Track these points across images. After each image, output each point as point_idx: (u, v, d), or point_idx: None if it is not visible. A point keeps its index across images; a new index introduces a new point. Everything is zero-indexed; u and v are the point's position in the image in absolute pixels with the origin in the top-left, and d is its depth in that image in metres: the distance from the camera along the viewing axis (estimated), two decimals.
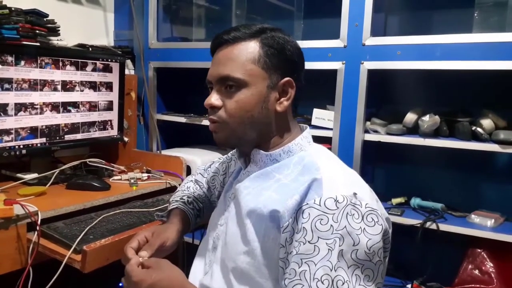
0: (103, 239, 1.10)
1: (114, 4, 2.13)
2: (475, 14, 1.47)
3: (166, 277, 0.82)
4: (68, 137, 1.63)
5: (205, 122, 1.83)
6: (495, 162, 1.61)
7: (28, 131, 1.48)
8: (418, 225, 1.47)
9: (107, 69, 1.74)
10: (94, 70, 1.68)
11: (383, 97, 1.68)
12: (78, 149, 1.78)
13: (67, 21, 1.70)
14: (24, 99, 1.45)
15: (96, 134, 1.74)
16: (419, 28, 1.64)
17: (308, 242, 0.73)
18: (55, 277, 1.08)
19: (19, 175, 1.47)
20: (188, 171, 1.75)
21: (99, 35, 2.08)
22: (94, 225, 1.21)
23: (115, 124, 1.81)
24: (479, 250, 1.50)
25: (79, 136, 1.67)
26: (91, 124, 1.71)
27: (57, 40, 1.58)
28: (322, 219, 0.73)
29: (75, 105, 1.63)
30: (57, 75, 1.55)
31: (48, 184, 1.44)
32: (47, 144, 1.55)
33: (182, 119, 1.91)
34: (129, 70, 1.98)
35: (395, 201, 1.64)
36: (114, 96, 1.79)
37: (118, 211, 1.34)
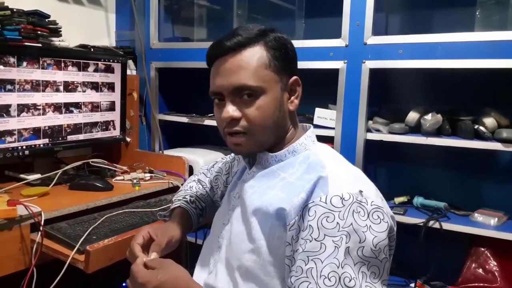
0: (106, 239, 1.11)
1: (116, 5, 2.13)
2: (477, 12, 1.47)
3: (172, 278, 0.82)
4: (70, 137, 1.63)
5: (207, 122, 1.83)
6: (497, 161, 1.60)
7: (31, 132, 1.49)
8: (421, 224, 1.47)
9: (109, 69, 1.74)
10: (96, 70, 1.69)
11: (385, 96, 1.67)
12: (81, 149, 1.78)
13: (68, 22, 1.70)
14: (26, 100, 1.46)
15: (98, 134, 1.74)
16: (420, 27, 1.64)
17: (315, 239, 0.73)
18: (58, 277, 1.08)
19: (22, 175, 1.48)
20: (191, 171, 1.75)
21: (101, 36, 2.08)
22: (97, 225, 1.21)
23: (117, 124, 1.82)
24: (482, 249, 1.50)
25: (81, 136, 1.67)
26: (94, 124, 1.72)
27: (59, 41, 1.58)
28: (328, 217, 0.73)
29: (77, 105, 1.64)
30: (59, 76, 1.55)
31: (51, 185, 1.44)
32: (49, 144, 1.56)
33: (184, 119, 1.91)
34: (131, 71, 1.98)
35: (398, 200, 1.63)
36: (116, 96, 1.79)
37: (121, 211, 1.34)
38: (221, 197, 1.13)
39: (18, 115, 1.44)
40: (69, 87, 1.59)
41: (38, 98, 1.49)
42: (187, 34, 2.18)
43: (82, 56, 1.65)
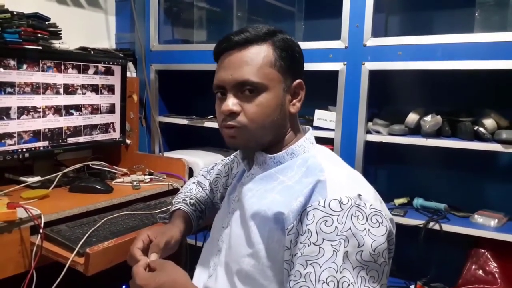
0: (106, 242, 1.11)
1: (116, 7, 2.13)
2: (476, 13, 1.47)
3: (170, 280, 0.82)
4: (70, 140, 1.63)
5: (207, 124, 1.83)
6: (497, 162, 1.60)
7: (31, 135, 1.49)
8: (421, 225, 1.47)
9: (109, 72, 1.74)
10: (96, 73, 1.69)
11: (385, 97, 1.67)
12: (81, 152, 1.78)
13: (68, 24, 1.71)
14: (26, 102, 1.46)
15: (98, 137, 1.74)
16: (420, 28, 1.64)
17: (313, 244, 0.73)
18: (58, 280, 1.08)
19: (22, 178, 1.48)
20: (191, 173, 1.75)
21: (101, 38, 2.08)
22: (97, 228, 1.21)
23: (117, 126, 1.82)
24: (482, 250, 1.50)
25: (81, 139, 1.67)
26: (94, 127, 1.72)
27: (59, 43, 1.59)
28: (326, 221, 0.73)
29: (77, 108, 1.64)
30: (59, 79, 1.55)
31: (51, 187, 1.44)
32: (49, 147, 1.56)
33: (184, 121, 1.92)
34: (131, 73, 1.98)
35: (398, 201, 1.63)
36: (116, 98, 1.79)
37: (121, 213, 1.34)
38: (221, 199, 1.13)
39: (18, 118, 1.44)
40: (69, 89, 1.60)
41: (38, 100, 1.49)
42: (187, 36, 2.18)
43: (82, 58, 1.65)
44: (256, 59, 0.82)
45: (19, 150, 1.46)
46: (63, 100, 1.58)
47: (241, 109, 0.83)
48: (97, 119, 1.73)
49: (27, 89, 1.45)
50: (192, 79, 2.05)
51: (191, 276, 0.92)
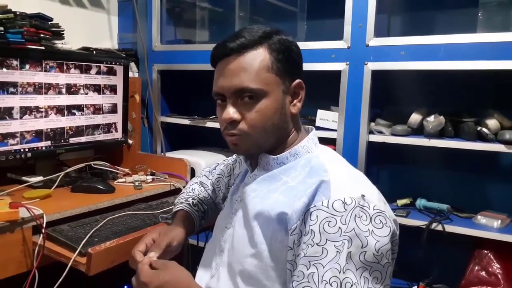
0: (108, 242, 1.11)
1: (118, 7, 2.14)
2: (479, 14, 1.46)
3: (174, 279, 0.82)
4: (72, 140, 1.63)
5: (209, 124, 1.83)
6: (501, 162, 1.60)
7: (33, 134, 1.49)
8: (424, 226, 1.46)
9: (111, 72, 1.75)
10: (98, 73, 1.69)
11: (388, 97, 1.67)
12: (83, 151, 1.78)
13: (71, 24, 1.71)
14: (29, 102, 1.46)
15: (100, 136, 1.74)
16: (422, 28, 1.63)
17: (316, 244, 0.73)
18: (60, 279, 1.08)
19: (24, 178, 1.48)
20: (193, 173, 1.75)
21: (103, 38, 2.09)
22: (99, 228, 1.21)
23: (120, 126, 1.82)
24: (485, 251, 1.49)
25: (83, 139, 1.68)
26: (96, 127, 1.72)
27: (62, 43, 1.59)
28: (330, 221, 0.73)
29: (79, 108, 1.64)
30: (62, 79, 1.56)
31: (53, 187, 1.44)
32: (52, 147, 1.56)
33: (186, 121, 1.92)
34: (133, 73, 1.98)
35: (400, 202, 1.63)
36: (118, 98, 1.79)
37: (123, 213, 1.34)
38: (223, 200, 1.13)
39: (21, 118, 1.44)
40: (71, 89, 1.60)
41: (41, 100, 1.50)
42: (189, 36, 2.19)
43: (85, 58, 1.65)
44: (252, 64, 0.82)
45: (22, 150, 1.46)
46: (65, 100, 1.58)
47: (241, 116, 0.83)
48: (99, 119, 1.73)
49: (30, 89, 1.46)
50: (194, 79, 2.05)
51: (193, 276, 0.92)
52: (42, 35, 1.50)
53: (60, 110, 1.57)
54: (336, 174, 0.80)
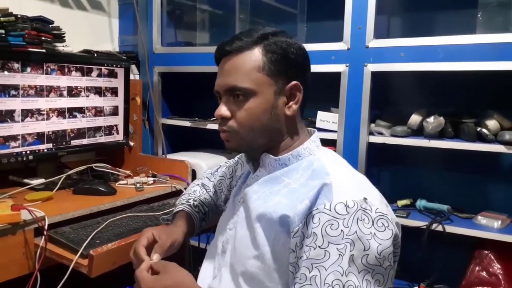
0: (109, 244, 1.11)
1: (119, 10, 2.15)
2: (478, 14, 1.46)
3: (175, 282, 0.82)
4: (74, 142, 1.64)
5: (210, 126, 1.84)
6: (500, 163, 1.60)
7: (35, 137, 1.50)
8: (424, 227, 1.46)
9: (112, 74, 1.75)
10: (99, 75, 1.70)
11: (387, 99, 1.67)
12: (84, 154, 1.79)
13: (72, 27, 1.72)
14: (30, 105, 1.46)
15: (102, 139, 1.75)
16: (422, 29, 1.64)
17: (319, 247, 0.73)
18: (62, 281, 1.08)
19: (26, 180, 1.48)
20: (194, 175, 1.75)
21: (104, 41, 2.09)
22: (100, 230, 1.21)
23: (121, 129, 1.83)
24: (486, 252, 1.49)
25: (85, 141, 1.68)
26: (97, 129, 1.73)
27: (63, 46, 1.60)
28: (332, 224, 0.73)
29: (80, 110, 1.65)
30: (63, 81, 1.56)
31: (55, 189, 1.45)
32: (53, 149, 1.56)
33: (187, 123, 1.92)
34: (134, 75, 1.99)
35: (401, 203, 1.63)
36: (119, 101, 1.80)
37: (124, 215, 1.35)
38: (225, 202, 1.14)
39: (22, 120, 1.45)
40: (72, 92, 1.60)
41: (42, 103, 1.50)
42: (190, 38, 2.19)
43: (86, 61, 1.66)
44: (245, 64, 0.84)
45: (23, 152, 1.46)
46: (66, 102, 1.59)
47: (231, 114, 0.86)
48: (100, 121, 1.73)
49: (31, 92, 1.46)
50: (195, 81, 2.06)
51: (195, 277, 0.92)
52: (43, 38, 1.50)
53: (61, 113, 1.57)
54: (338, 177, 0.80)
